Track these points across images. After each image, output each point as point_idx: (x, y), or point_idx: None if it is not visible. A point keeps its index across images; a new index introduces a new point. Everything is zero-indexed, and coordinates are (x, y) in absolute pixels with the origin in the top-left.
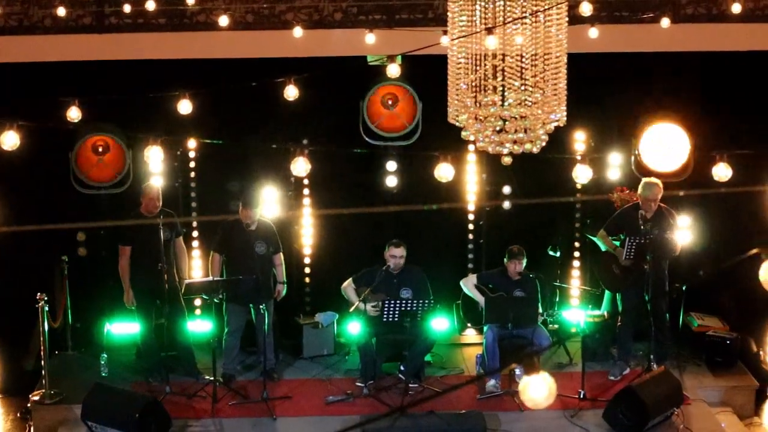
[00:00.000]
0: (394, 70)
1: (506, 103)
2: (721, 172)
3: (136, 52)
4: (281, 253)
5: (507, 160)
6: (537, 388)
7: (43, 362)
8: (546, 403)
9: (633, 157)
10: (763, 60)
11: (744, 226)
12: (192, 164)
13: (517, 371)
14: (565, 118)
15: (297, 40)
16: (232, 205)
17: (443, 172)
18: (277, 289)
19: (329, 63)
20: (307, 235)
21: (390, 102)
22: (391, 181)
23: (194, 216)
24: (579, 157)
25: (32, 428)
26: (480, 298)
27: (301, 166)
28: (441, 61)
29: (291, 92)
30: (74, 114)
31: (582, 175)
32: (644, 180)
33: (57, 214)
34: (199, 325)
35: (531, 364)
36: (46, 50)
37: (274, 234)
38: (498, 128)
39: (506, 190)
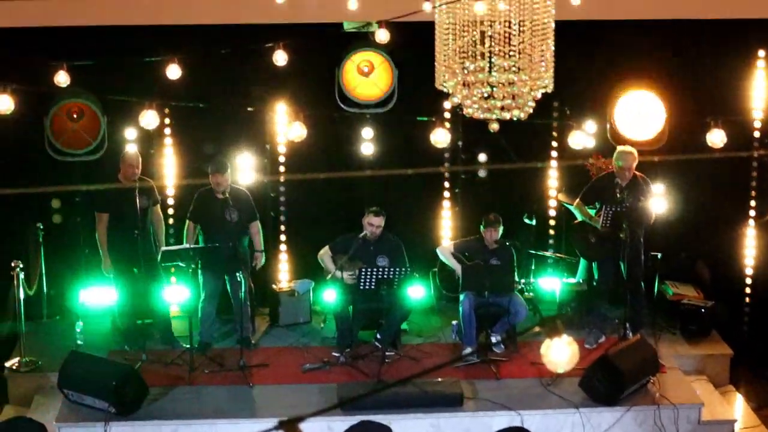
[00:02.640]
0: (382, 35)
1: (494, 70)
2: (716, 138)
3: (113, 18)
4: (258, 222)
5: (495, 127)
6: (560, 351)
7: (18, 329)
8: (567, 367)
9: (608, 125)
10: (736, 27)
11: (720, 194)
12: (167, 131)
13: (494, 339)
14: (552, 85)
15: (272, 7)
16: (205, 169)
17: (439, 136)
18: (255, 257)
19: (304, 30)
20: (283, 203)
21: (366, 69)
22: (368, 148)
23: (168, 183)
24: (573, 123)
25: (8, 396)
26: (457, 266)
27: (296, 131)
28: (418, 27)
29: (280, 57)
30: (62, 78)
31: (579, 141)
32: (619, 148)
33: (31, 181)
34: (175, 293)
35: (554, 327)
36: (20, 15)
37: (247, 202)
38: (485, 95)
39: (482, 157)
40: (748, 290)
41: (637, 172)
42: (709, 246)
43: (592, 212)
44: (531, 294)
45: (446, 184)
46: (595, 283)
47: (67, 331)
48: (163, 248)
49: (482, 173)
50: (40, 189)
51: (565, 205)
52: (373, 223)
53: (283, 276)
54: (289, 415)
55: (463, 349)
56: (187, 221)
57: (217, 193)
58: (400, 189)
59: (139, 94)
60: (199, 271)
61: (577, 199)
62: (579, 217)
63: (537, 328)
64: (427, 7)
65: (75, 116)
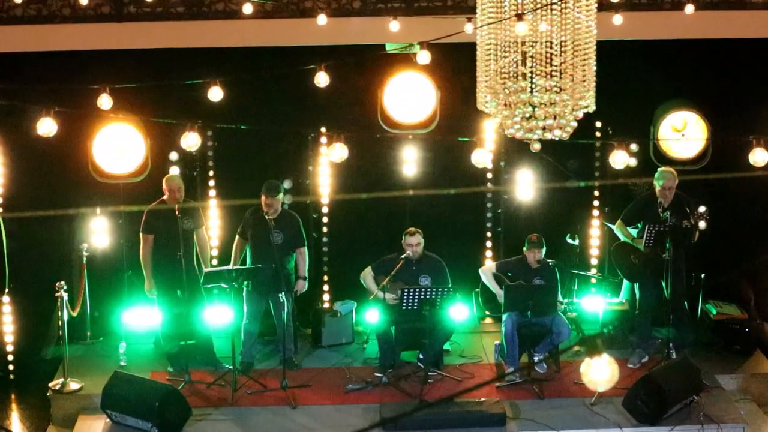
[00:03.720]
0: (424, 57)
1: (535, 90)
2: (758, 157)
3: (155, 41)
4: (305, 248)
5: (536, 147)
6: (599, 370)
7: (62, 351)
8: (607, 386)
9: (651, 144)
10: None
11: (764, 213)
12: (211, 153)
13: (536, 359)
14: (594, 105)
15: (315, 28)
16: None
17: (480, 157)
18: (298, 283)
19: (347, 51)
20: (326, 224)
21: (408, 90)
22: (410, 169)
23: (211, 204)
24: (615, 143)
25: (51, 417)
26: (498, 291)
27: (338, 152)
28: (460, 48)
29: (322, 79)
30: (105, 101)
31: (619, 160)
32: (659, 169)
33: (75, 203)
34: (218, 314)
35: (594, 346)
36: (64, 39)
37: (295, 226)
38: (527, 115)
39: (524, 178)
40: None
41: (678, 191)
42: (752, 265)
43: (634, 233)
44: (574, 314)
45: (488, 205)
46: (637, 304)
47: (111, 352)
48: (206, 270)
49: (525, 193)
50: (83, 209)
51: (607, 224)
52: (411, 243)
53: (326, 297)
54: None
55: (505, 369)
56: (237, 237)
57: (267, 214)
58: (443, 210)
59: (182, 116)
60: (243, 292)
61: (618, 220)
62: (621, 238)
63: (577, 347)
64: (468, 28)
65: (118, 139)
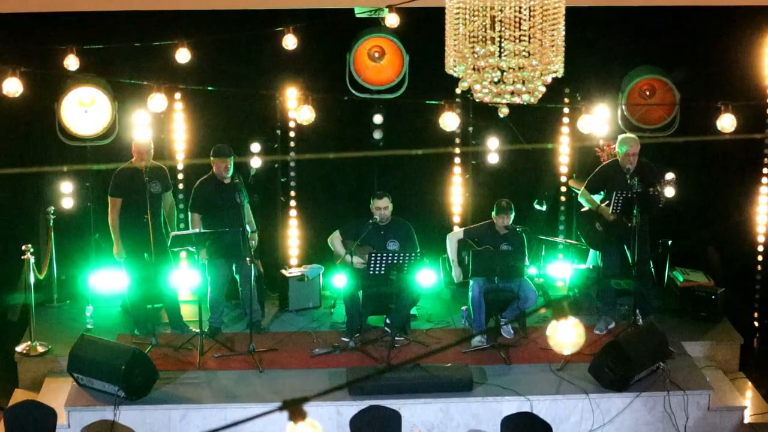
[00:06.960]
0: (392, 20)
1: (504, 54)
2: (726, 123)
3: (123, 3)
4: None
5: (505, 111)
6: (565, 333)
7: (29, 314)
8: (573, 349)
9: (619, 111)
10: (747, 12)
11: (731, 179)
12: (180, 116)
13: (503, 324)
14: (563, 70)
15: None
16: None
17: (448, 120)
18: (252, 237)
19: (316, 14)
20: (294, 187)
21: (377, 54)
22: (378, 134)
23: (180, 168)
24: (583, 108)
25: (18, 380)
26: (455, 265)
27: (306, 115)
28: (428, 12)
29: (290, 42)
30: (71, 62)
31: (589, 126)
32: (621, 136)
33: (42, 165)
34: (186, 278)
35: (560, 309)
36: (32, 0)
37: (243, 184)
38: (496, 79)
39: (493, 142)
40: (758, 276)
41: (641, 158)
42: (719, 232)
43: (598, 199)
44: (541, 279)
45: (457, 170)
46: (601, 271)
47: (77, 315)
48: (173, 233)
49: (493, 159)
50: (50, 167)
51: (574, 190)
52: (379, 206)
53: (293, 261)
54: None
55: (472, 334)
56: (192, 213)
57: (223, 179)
58: (411, 174)
59: (150, 78)
60: (207, 257)
61: (582, 188)
62: (586, 206)
63: (543, 310)
64: None
65: (86, 101)
